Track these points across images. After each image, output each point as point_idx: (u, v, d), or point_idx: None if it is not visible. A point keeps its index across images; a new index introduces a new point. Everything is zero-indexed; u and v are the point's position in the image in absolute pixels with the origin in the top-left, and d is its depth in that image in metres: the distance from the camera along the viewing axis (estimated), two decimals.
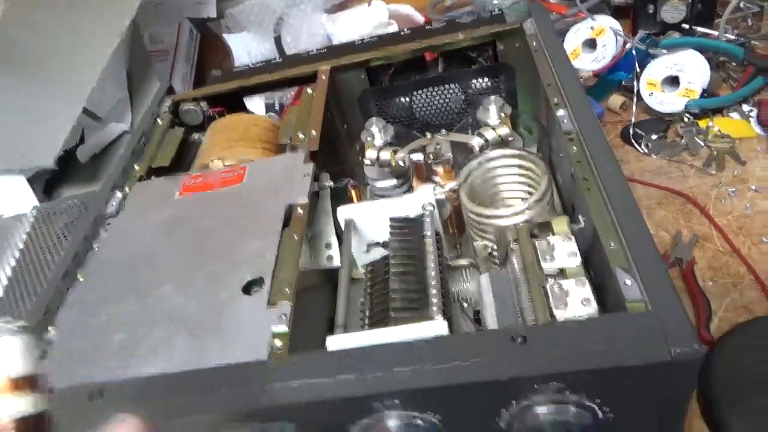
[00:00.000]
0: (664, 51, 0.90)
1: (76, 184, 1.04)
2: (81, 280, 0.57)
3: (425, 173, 0.63)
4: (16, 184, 0.97)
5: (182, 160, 0.75)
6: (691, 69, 0.86)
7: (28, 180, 0.98)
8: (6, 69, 0.97)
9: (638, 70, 0.90)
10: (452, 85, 0.76)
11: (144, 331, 0.49)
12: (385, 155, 0.63)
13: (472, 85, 0.75)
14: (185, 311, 0.50)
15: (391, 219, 0.54)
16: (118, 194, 0.66)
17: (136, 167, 0.70)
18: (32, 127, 0.93)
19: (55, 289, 0.57)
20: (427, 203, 0.55)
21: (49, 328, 0.53)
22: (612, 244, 0.45)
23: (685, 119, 0.87)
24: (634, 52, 0.92)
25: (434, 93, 0.77)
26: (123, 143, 1.05)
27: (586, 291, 0.44)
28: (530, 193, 0.57)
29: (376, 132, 0.66)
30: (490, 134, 0.61)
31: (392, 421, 0.41)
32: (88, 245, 0.61)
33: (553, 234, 0.50)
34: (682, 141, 0.84)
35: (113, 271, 0.56)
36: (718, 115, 0.87)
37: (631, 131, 0.86)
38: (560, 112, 0.58)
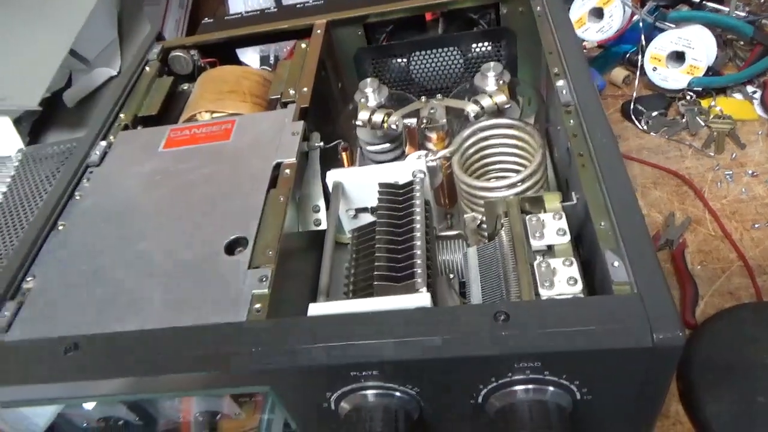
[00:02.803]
0: (671, 25, 0.87)
1: (63, 128, 1.01)
2: (61, 229, 0.56)
3: (418, 139, 0.61)
4: (1, 125, 0.95)
5: (170, 110, 0.73)
6: (698, 45, 0.84)
7: (14, 121, 0.96)
8: None
9: (644, 43, 0.88)
10: (452, 48, 0.73)
11: (123, 286, 0.48)
12: (378, 118, 0.61)
13: (472, 49, 0.73)
14: (165, 268, 0.49)
15: (380, 185, 0.53)
16: (102, 143, 0.64)
17: (122, 116, 0.68)
18: (17, 67, 0.90)
19: (35, 237, 0.55)
20: (417, 170, 0.54)
21: (27, 278, 0.52)
22: (602, 224, 0.44)
23: (688, 97, 0.85)
24: (641, 23, 0.89)
25: (433, 55, 0.74)
26: (111, 88, 1.02)
27: (573, 270, 0.43)
28: (524, 166, 0.55)
29: (370, 93, 0.64)
30: (486, 101, 0.59)
31: (370, 392, 0.41)
32: (70, 194, 0.60)
33: (545, 210, 0.49)
34: (683, 120, 0.82)
35: (94, 222, 0.55)
36: (722, 95, 0.85)
37: (631, 107, 0.85)
38: (560, 83, 0.56)
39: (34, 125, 0.99)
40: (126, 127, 0.67)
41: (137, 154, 0.61)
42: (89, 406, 0.49)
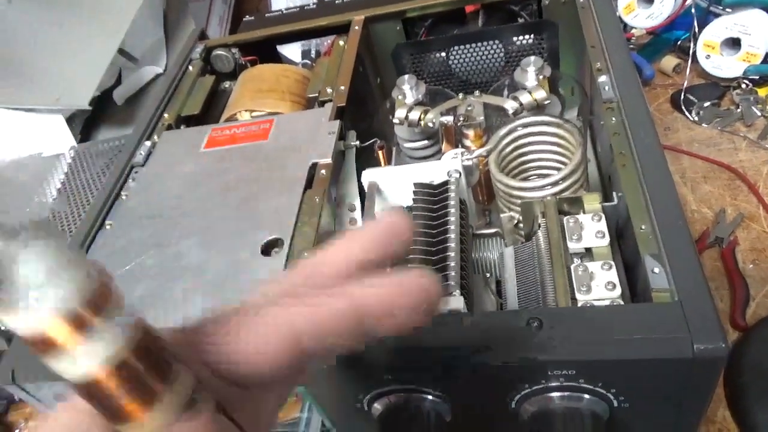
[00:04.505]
0: (727, 9, 0.83)
1: (114, 125, 1.05)
2: (108, 229, 0.58)
3: (455, 136, 0.61)
4: (54, 123, 0.99)
5: (213, 108, 0.74)
6: (756, 31, 0.80)
7: (67, 119, 0.99)
8: (42, 4, 0.97)
9: (696, 29, 0.84)
10: (492, 42, 0.72)
11: (164, 287, 0.50)
12: (415, 115, 0.61)
13: (514, 42, 0.71)
14: (205, 268, 0.50)
15: (415, 185, 0.53)
16: (147, 143, 0.66)
17: (166, 115, 0.70)
18: (68, 67, 0.94)
19: (84, 236, 0.58)
20: (452, 170, 0.53)
21: None
22: (643, 227, 0.42)
23: (743, 86, 0.81)
24: (693, 9, 0.85)
25: (473, 49, 0.73)
26: (157, 88, 1.05)
27: (612, 274, 0.42)
28: (563, 164, 0.54)
29: (407, 90, 0.63)
30: (525, 98, 0.58)
31: (402, 395, 0.41)
32: (117, 194, 0.62)
33: (584, 211, 0.48)
34: (737, 110, 0.79)
35: (139, 221, 0.57)
36: None
37: (682, 97, 0.81)
38: (602, 78, 0.54)
39: (86, 123, 1.03)
40: (170, 127, 0.69)
41: (180, 154, 0.63)
42: None
